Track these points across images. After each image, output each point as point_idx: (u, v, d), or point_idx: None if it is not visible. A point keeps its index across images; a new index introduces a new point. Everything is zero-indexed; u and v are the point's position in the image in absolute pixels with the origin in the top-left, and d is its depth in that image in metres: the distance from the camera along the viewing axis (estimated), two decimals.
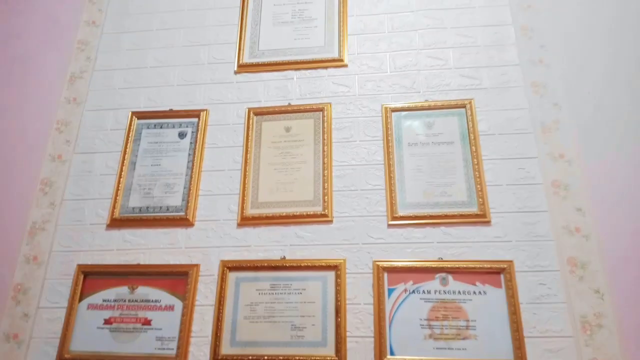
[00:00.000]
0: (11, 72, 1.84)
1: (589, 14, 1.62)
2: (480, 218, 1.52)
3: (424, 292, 1.45)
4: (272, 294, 1.50)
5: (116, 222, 1.65)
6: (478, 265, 1.46)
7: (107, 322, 1.52)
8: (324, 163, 1.66)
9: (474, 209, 1.54)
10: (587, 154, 1.54)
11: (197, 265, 1.56)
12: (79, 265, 1.60)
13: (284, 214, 1.60)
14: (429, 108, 1.71)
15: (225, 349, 1.44)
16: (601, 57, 1.53)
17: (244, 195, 1.64)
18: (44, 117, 1.84)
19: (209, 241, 1.60)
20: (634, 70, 1.40)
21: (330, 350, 1.41)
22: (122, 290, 1.55)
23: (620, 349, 1.32)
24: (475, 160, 1.60)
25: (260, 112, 1.78)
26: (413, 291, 1.45)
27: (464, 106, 1.69)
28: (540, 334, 1.37)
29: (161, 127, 1.80)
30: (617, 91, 1.44)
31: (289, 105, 1.78)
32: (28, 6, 1.98)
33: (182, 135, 1.77)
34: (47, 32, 1.98)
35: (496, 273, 1.45)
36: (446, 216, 1.54)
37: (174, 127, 1.79)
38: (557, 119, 1.63)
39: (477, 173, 1.58)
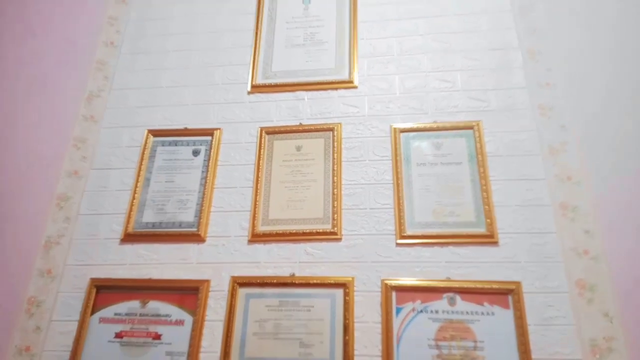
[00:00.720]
0: (31, 90, 1.91)
1: (595, 37, 1.65)
2: (489, 238, 1.53)
3: (432, 311, 1.46)
4: (281, 310, 1.52)
5: (130, 237, 1.69)
6: (486, 286, 1.47)
7: (118, 335, 1.54)
8: (333, 182, 1.69)
9: (482, 230, 1.55)
10: (595, 175, 1.55)
11: (207, 281, 1.58)
12: (92, 279, 1.63)
13: (294, 231, 1.63)
14: (437, 129, 1.74)
15: None
16: (607, 80, 1.56)
17: (255, 212, 1.67)
18: (61, 134, 1.90)
19: (219, 257, 1.63)
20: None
21: None
22: (133, 305, 1.58)
23: None
24: (483, 181, 1.62)
25: (272, 132, 1.82)
26: (421, 310, 1.46)
27: (471, 127, 1.72)
28: (548, 356, 1.37)
29: (176, 145, 1.85)
30: (624, 112, 1.47)
31: (300, 125, 1.83)
32: (48, 28, 2.06)
33: (196, 153, 1.82)
34: (66, 52, 2.05)
35: (504, 294, 1.45)
36: (454, 236, 1.55)
37: (188, 145, 1.84)
38: (565, 140, 1.65)
39: (485, 194, 1.60)
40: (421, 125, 1.76)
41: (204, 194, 1.72)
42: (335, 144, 1.76)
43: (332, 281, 1.53)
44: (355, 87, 1.88)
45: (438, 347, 1.41)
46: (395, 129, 1.76)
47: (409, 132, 1.75)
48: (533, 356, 1.36)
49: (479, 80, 1.82)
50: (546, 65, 1.80)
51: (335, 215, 1.63)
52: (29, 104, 1.90)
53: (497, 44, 1.88)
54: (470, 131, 1.72)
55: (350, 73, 1.91)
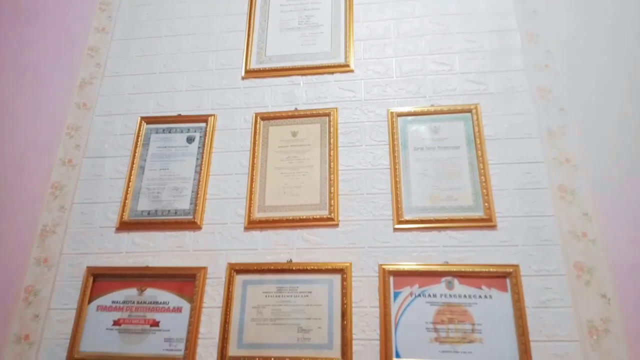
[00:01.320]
0: (24, 79, 1.89)
1: (594, 20, 1.63)
2: (486, 222, 1.53)
3: (429, 295, 1.46)
4: (279, 296, 1.52)
5: (125, 225, 1.68)
6: (484, 269, 1.46)
7: (116, 323, 1.54)
8: (330, 167, 1.67)
9: (480, 214, 1.54)
10: (594, 158, 1.54)
11: (204, 268, 1.58)
12: (89, 268, 1.62)
13: (291, 218, 1.62)
14: (435, 113, 1.72)
15: (232, 351, 1.46)
16: (606, 63, 1.54)
17: (251, 199, 1.66)
18: (54, 122, 1.88)
19: (216, 244, 1.62)
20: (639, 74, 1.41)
21: (336, 352, 1.42)
22: (130, 292, 1.57)
23: (627, 355, 1.31)
24: (481, 164, 1.61)
25: (267, 117, 1.80)
26: (419, 295, 1.46)
27: (469, 111, 1.70)
28: (546, 338, 1.37)
29: (170, 132, 1.82)
30: (623, 96, 1.45)
31: (296, 110, 1.80)
32: (40, 16, 2.02)
33: (190, 140, 1.80)
34: (58, 39, 2.02)
35: (502, 277, 1.45)
36: (452, 220, 1.55)
37: (182, 132, 1.82)
38: (563, 124, 1.63)
39: (483, 177, 1.59)
40: (418, 109, 1.74)
41: (199, 181, 1.71)
42: (332, 129, 1.74)
43: (329, 267, 1.53)
44: (351, 71, 1.85)
45: (436, 330, 1.41)
46: (392, 113, 1.74)
47: (406, 116, 1.73)
48: (531, 338, 1.37)
49: (477, 63, 1.79)
50: (545, 47, 1.77)
51: (332, 201, 1.62)
52: (22, 92, 1.87)
53: (496, 26, 1.85)
54: (469, 114, 1.70)
55: (346, 57, 1.88)
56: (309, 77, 1.87)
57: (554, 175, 1.57)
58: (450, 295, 1.45)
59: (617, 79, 1.48)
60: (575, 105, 1.64)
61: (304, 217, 1.61)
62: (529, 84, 1.73)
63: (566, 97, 1.67)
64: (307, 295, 1.50)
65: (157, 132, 1.83)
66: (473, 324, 1.40)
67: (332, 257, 1.55)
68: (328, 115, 1.77)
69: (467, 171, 1.61)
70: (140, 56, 2.01)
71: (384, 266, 1.50)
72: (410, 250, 1.53)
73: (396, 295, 1.47)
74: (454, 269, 1.48)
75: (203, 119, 1.82)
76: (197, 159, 1.76)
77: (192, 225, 1.65)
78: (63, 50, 2.01)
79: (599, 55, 1.58)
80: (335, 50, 1.90)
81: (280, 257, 1.58)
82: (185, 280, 1.57)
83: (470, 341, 1.38)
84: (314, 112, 1.78)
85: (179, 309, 1.53)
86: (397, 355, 1.39)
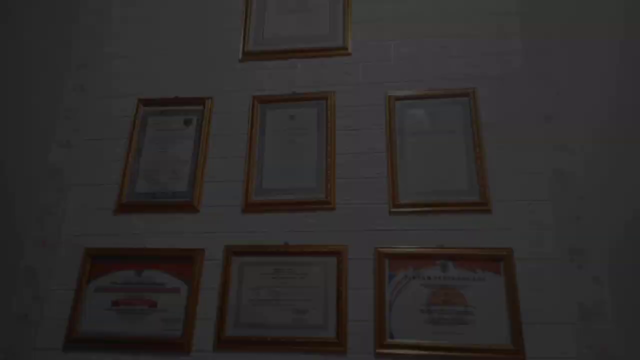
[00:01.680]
0: (21, 62, 1.88)
1: (595, 1, 1.62)
2: (482, 206, 1.54)
3: (424, 278, 1.47)
4: (275, 278, 1.53)
5: (123, 207, 1.68)
6: (478, 253, 1.48)
7: (115, 303, 1.56)
8: (327, 151, 1.67)
9: (476, 197, 1.55)
10: (590, 143, 1.55)
11: (202, 250, 1.59)
12: (87, 249, 1.64)
13: (288, 201, 1.62)
14: (433, 97, 1.71)
15: (229, 331, 1.48)
16: (604, 49, 1.54)
17: (248, 182, 1.66)
18: (52, 104, 1.87)
19: (214, 226, 1.63)
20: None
21: (331, 333, 1.44)
22: (129, 274, 1.59)
23: (617, 337, 1.33)
24: (477, 149, 1.61)
25: (265, 100, 1.79)
26: (414, 277, 1.48)
27: (467, 95, 1.70)
28: (538, 320, 1.39)
29: (167, 115, 1.82)
30: (620, 80, 1.45)
31: (294, 93, 1.80)
32: None
33: (187, 122, 1.79)
34: (54, 21, 2.00)
35: (496, 260, 1.47)
36: (448, 204, 1.55)
37: (179, 114, 1.81)
38: (561, 107, 1.63)
39: (479, 162, 1.59)
40: (416, 93, 1.73)
41: (196, 164, 1.71)
42: (329, 112, 1.73)
43: (325, 249, 1.54)
44: (349, 54, 1.84)
45: (430, 311, 1.43)
46: (389, 97, 1.73)
47: (403, 100, 1.73)
48: (522, 320, 1.39)
49: (476, 46, 1.78)
50: (545, 30, 1.75)
51: (329, 185, 1.62)
52: (19, 75, 1.87)
53: (495, 9, 1.83)
54: (466, 99, 1.69)
55: (344, 40, 1.86)
56: (307, 60, 1.85)
57: (550, 159, 1.57)
58: (445, 278, 1.46)
59: (616, 64, 1.48)
60: (573, 89, 1.63)
61: (301, 200, 1.62)
62: (527, 68, 1.71)
63: (564, 81, 1.66)
64: (303, 277, 1.52)
65: (154, 115, 1.82)
66: (466, 306, 1.42)
67: (328, 240, 1.57)
68: (326, 98, 1.76)
69: (463, 155, 1.62)
70: (136, 38, 2.00)
71: (379, 249, 1.52)
72: (406, 234, 1.54)
73: (391, 277, 1.48)
74: (449, 252, 1.49)
75: (200, 101, 1.81)
76: (195, 141, 1.75)
77: (189, 207, 1.66)
78: (59, 33, 2.00)
79: (598, 40, 1.57)
80: (334, 33, 1.88)
81: (277, 239, 1.59)
82: (183, 262, 1.58)
83: (463, 323, 1.40)
84: (312, 95, 1.78)
85: (176, 290, 1.55)
86: (391, 336, 1.41)
